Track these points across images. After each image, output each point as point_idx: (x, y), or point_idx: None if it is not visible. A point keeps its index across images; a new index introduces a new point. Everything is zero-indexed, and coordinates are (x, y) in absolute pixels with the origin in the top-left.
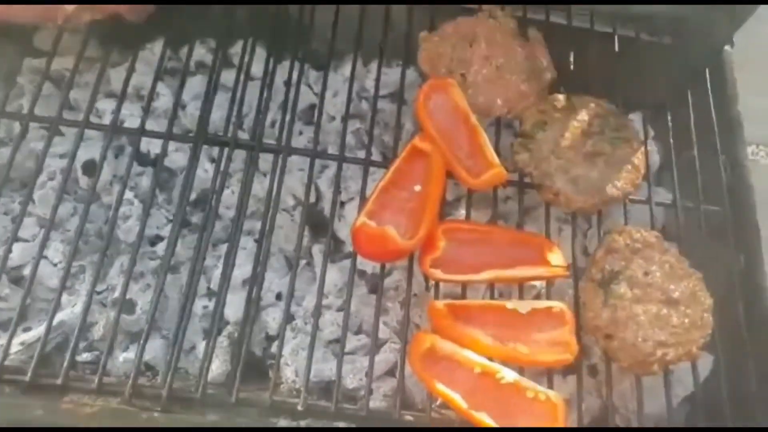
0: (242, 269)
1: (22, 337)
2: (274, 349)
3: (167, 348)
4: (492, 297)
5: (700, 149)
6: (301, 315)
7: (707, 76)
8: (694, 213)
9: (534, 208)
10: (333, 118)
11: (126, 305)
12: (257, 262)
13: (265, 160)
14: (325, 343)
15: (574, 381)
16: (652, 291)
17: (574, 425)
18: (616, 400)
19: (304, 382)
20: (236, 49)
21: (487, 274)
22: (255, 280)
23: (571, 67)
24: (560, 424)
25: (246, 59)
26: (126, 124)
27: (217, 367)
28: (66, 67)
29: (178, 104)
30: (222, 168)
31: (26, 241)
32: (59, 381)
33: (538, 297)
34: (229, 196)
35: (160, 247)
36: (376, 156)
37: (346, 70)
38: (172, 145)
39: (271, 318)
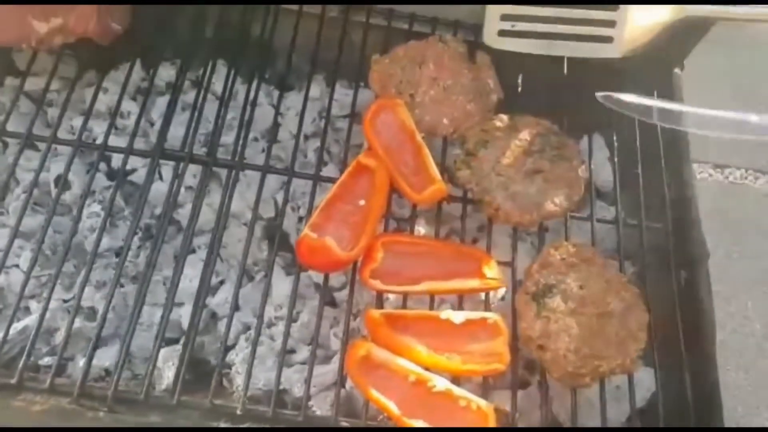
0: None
1: None
2: (228, 358)
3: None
4: (431, 308)
5: (645, 167)
6: (257, 325)
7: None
8: (636, 229)
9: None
10: (299, 137)
11: (89, 313)
12: (204, 273)
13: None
14: (277, 352)
15: (525, 396)
16: (587, 304)
17: None
18: (563, 415)
19: (244, 387)
20: (200, 69)
21: (424, 286)
22: (202, 290)
23: (519, 89)
24: None
25: (206, 78)
26: (98, 141)
27: (173, 374)
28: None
29: (139, 122)
30: (177, 182)
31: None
32: (14, 381)
33: (487, 309)
34: (198, 210)
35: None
36: (334, 172)
37: (313, 91)
38: (140, 161)
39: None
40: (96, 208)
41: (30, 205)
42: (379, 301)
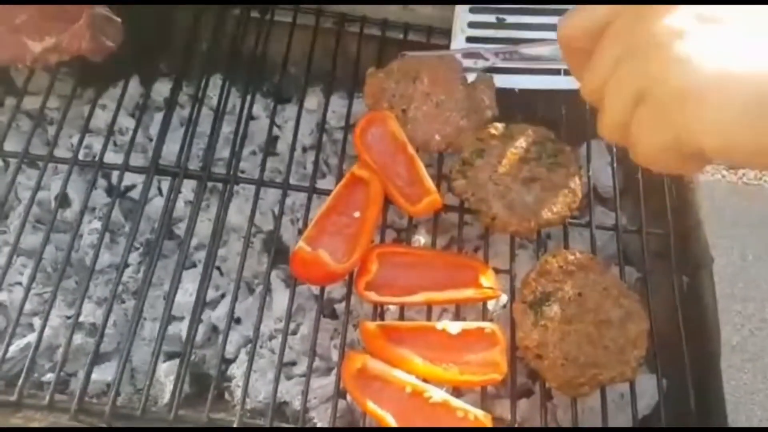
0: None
1: None
2: (229, 371)
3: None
4: (430, 318)
5: (645, 172)
6: (254, 338)
7: None
8: (637, 235)
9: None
10: (295, 150)
11: (90, 329)
12: (201, 287)
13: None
14: (278, 365)
15: (528, 404)
16: (585, 312)
17: None
18: (567, 423)
19: (241, 401)
20: (196, 84)
21: (420, 296)
22: (198, 305)
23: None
24: None
25: (201, 93)
26: (97, 158)
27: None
28: (48, 106)
29: (135, 138)
30: (172, 197)
31: (0, 267)
32: (13, 398)
33: (487, 318)
34: (193, 225)
35: (126, 274)
36: (331, 184)
37: (310, 103)
38: (139, 177)
39: (228, 341)
40: (96, 224)
41: (32, 223)
42: (379, 312)
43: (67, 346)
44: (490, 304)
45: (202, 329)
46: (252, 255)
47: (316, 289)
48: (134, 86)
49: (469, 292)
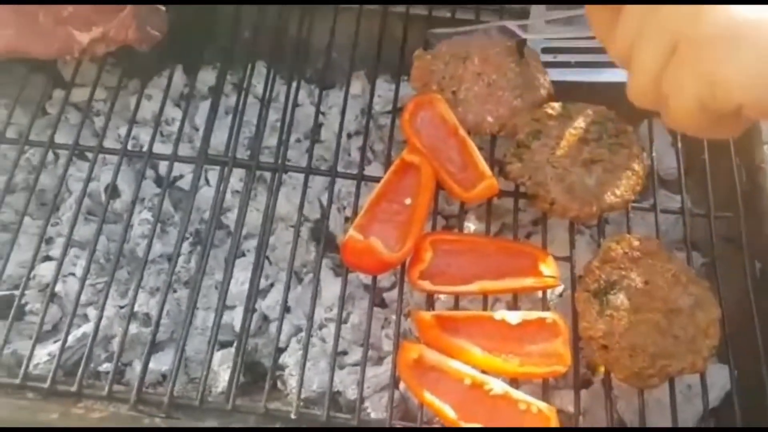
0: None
1: (50, 348)
2: (281, 360)
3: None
4: (485, 308)
5: (712, 153)
6: (307, 328)
7: None
8: (704, 219)
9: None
10: (340, 136)
11: (144, 319)
12: (253, 276)
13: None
14: (329, 354)
15: (588, 395)
16: (653, 300)
17: None
18: (630, 415)
19: (297, 391)
20: (241, 72)
21: (476, 285)
22: (252, 294)
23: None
24: None
25: (247, 81)
26: (144, 148)
27: (228, 376)
28: (95, 98)
29: (182, 128)
30: (222, 187)
31: (55, 259)
32: (74, 388)
33: (544, 307)
34: (243, 215)
35: (178, 264)
36: (378, 171)
37: (354, 88)
38: (187, 167)
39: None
40: (146, 215)
41: (83, 215)
42: (430, 301)
43: (124, 336)
44: (547, 293)
45: (253, 318)
46: (300, 244)
47: (364, 278)
48: (178, 75)
49: (528, 281)
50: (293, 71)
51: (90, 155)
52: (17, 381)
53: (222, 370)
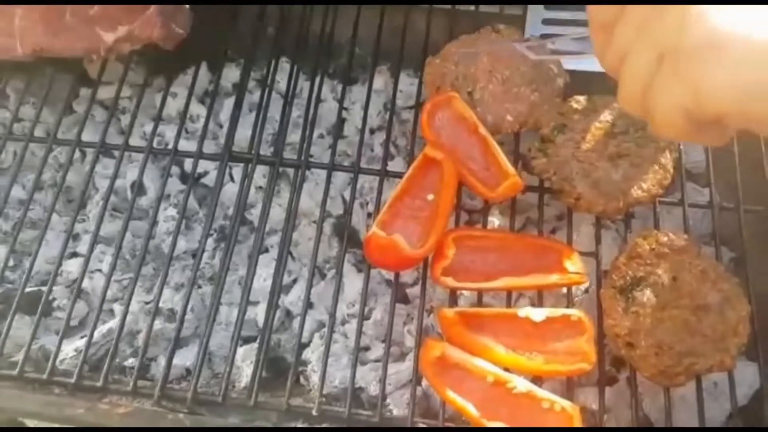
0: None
1: (76, 343)
2: (303, 356)
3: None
4: (509, 304)
5: (740, 145)
6: (329, 323)
7: None
8: (733, 213)
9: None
10: (363, 131)
11: (169, 314)
12: (276, 272)
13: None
14: (351, 350)
15: (613, 393)
16: (680, 297)
17: None
18: (655, 414)
19: (319, 388)
20: (264, 69)
21: (500, 282)
22: (275, 290)
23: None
24: None
25: (270, 77)
26: (170, 146)
27: (251, 371)
28: (121, 96)
29: (207, 125)
30: (246, 183)
31: (82, 255)
32: (99, 383)
33: (569, 304)
34: (267, 211)
35: (202, 260)
36: (401, 166)
37: (377, 83)
38: (212, 164)
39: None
40: (172, 211)
41: (109, 211)
42: (453, 298)
43: (149, 331)
44: (572, 289)
45: (276, 314)
46: (323, 239)
47: (386, 274)
48: (202, 73)
49: (553, 278)
50: (316, 67)
51: (116, 153)
52: (44, 376)
53: (245, 366)
